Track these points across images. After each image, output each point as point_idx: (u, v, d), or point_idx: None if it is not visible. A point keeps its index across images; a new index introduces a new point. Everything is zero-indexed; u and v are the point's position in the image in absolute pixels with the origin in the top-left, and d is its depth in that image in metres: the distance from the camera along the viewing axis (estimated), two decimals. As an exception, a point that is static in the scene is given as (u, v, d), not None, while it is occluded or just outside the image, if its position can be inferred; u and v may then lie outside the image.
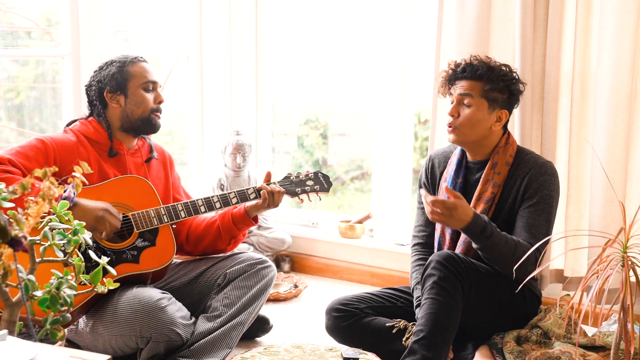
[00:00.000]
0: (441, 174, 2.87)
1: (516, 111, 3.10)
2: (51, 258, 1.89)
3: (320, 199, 2.93)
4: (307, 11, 4.46)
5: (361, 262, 3.98)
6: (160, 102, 2.77)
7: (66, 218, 1.88)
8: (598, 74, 2.94)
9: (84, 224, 1.88)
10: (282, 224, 4.20)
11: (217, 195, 2.75)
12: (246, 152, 3.94)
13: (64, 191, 2.43)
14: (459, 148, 2.82)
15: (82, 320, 2.61)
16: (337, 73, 4.49)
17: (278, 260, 4.13)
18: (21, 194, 1.55)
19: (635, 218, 1.96)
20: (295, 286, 3.74)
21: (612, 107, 2.92)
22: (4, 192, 1.75)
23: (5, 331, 1.42)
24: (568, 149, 3.11)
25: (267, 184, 2.80)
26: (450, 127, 2.71)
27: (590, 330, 2.81)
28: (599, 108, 2.95)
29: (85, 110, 3.42)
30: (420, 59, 3.79)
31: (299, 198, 2.86)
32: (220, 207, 2.76)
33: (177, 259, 3.01)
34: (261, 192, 2.77)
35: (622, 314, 1.95)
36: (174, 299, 2.61)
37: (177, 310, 2.56)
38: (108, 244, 2.60)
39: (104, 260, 1.90)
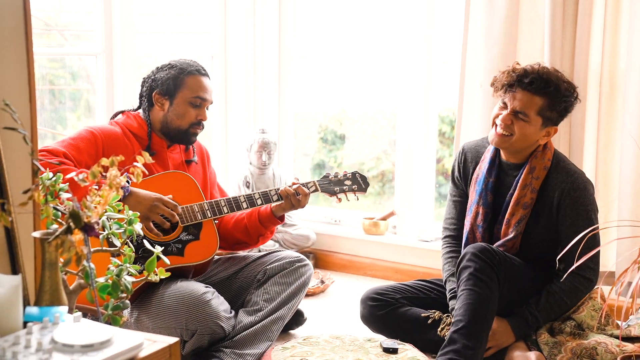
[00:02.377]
0: (473, 169, 2.89)
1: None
2: (102, 248, 1.94)
3: (357, 199, 2.95)
4: (330, 11, 4.50)
5: (385, 259, 4.01)
6: (201, 120, 2.78)
7: (119, 209, 1.93)
8: (628, 70, 2.98)
9: (138, 214, 1.93)
10: (306, 221, 4.24)
11: (258, 193, 2.80)
12: (271, 150, 3.99)
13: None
14: (491, 146, 2.81)
15: (126, 311, 2.65)
16: (360, 74, 4.53)
17: (302, 257, 4.17)
18: (91, 182, 1.60)
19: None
20: (322, 282, 3.78)
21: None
22: (64, 180, 1.80)
23: (79, 313, 1.47)
24: (596, 144, 3.15)
25: (291, 187, 2.81)
26: (499, 131, 2.68)
27: (621, 324, 2.84)
28: (628, 103, 2.99)
29: (115, 108, 3.48)
30: (444, 60, 3.83)
31: (337, 197, 2.89)
32: (262, 204, 2.80)
33: (216, 255, 3.06)
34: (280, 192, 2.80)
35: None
36: (217, 292, 2.65)
37: (220, 304, 2.61)
38: (154, 236, 2.63)
39: (158, 249, 1.95)
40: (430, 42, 3.79)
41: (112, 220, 1.88)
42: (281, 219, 2.89)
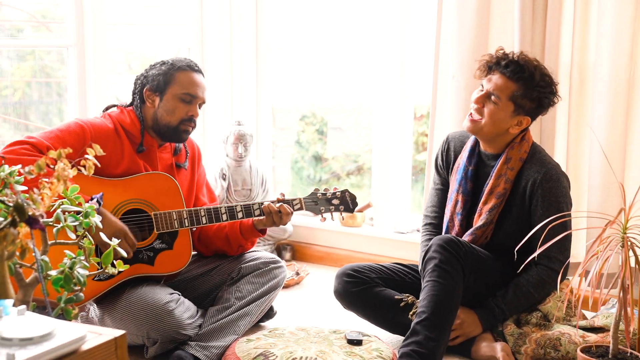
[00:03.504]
0: (456, 157, 2.91)
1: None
2: (63, 240, 1.93)
3: (342, 219, 2.90)
4: (307, 3, 4.49)
5: (362, 250, 4.02)
6: (192, 116, 2.72)
7: (77, 202, 1.92)
8: (597, 63, 2.99)
9: (95, 206, 1.92)
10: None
11: (240, 205, 2.73)
12: (247, 142, 3.98)
13: (91, 199, 2.45)
14: (473, 135, 2.83)
15: (92, 309, 2.65)
16: (336, 66, 4.52)
17: (279, 249, 4.18)
18: (37, 175, 1.59)
19: (635, 199, 2.00)
20: (297, 274, 3.78)
21: (610, 94, 2.96)
22: (19, 173, 1.79)
23: (24, 306, 1.47)
24: (567, 137, 3.16)
25: (275, 203, 2.75)
26: (470, 115, 2.71)
27: (589, 315, 2.86)
28: (597, 95, 3.00)
29: (90, 103, 3.47)
30: (419, 52, 3.83)
31: (322, 216, 2.84)
32: (242, 217, 2.73)
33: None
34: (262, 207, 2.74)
35: (622, 294, 1.99)
36: (182, 298, 2.63)
37: (184, 311, 2.58)
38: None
39: (114, 242, 1.94)
40: (404, 37, 3.79)
41: (67, 213, 1.88)
42: (262, 232, 2.85)
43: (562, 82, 3.12)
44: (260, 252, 2.92)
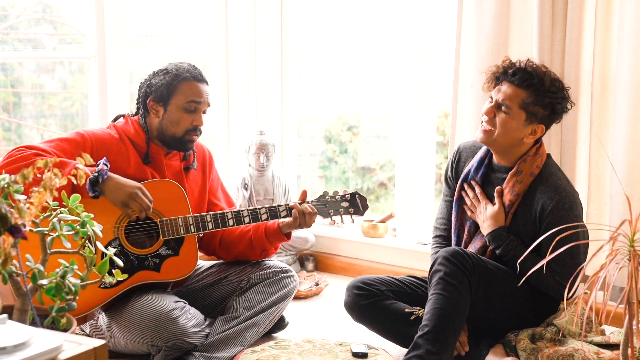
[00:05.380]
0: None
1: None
2: (63, 250, 1.95)
3: (353, 222, 2.87)
4: (331, 14, 4.49)
5: (384, 262, 3.97)
6: (197, 125, 2.72)
7: (79, 211, 1.93)
8: (618, 71, 2.90)
9: (92, 215, 1.93)
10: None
11: (247, 210, 2.73)
12: (269, 151, 3.98)
13: (97, 165, 2.48)
14: (485, 146, 2.77)
15: (102, 318, 2.67)
16: (359, 75, 4.51)
17: (302, 259, 4.16)
18: (26, 184, 1.61)
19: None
20: (317, 284, 3.76)
21: (632, 103, 2.87)
22: (13, 184, 1.81)
23: (5, 315, 1.48)
24: (589, 147, 3.07)
25: (301, 203, 2.76)
26: (483, 127, 2.65)
27: (609, 330, 2.77)
28: (618, 104, 2.91)
29: (110, 111, 3.51)
30: (441, 59, 3.78)
31: (331, 219, 2.81)
32: (250, 222, 2.73)
33: (206, 261, 3.05)
34: (292, 210, 2.73)
35: (627, 309, 1.92)
36: (187, 306, 2.62)
37: (189, 319, 2.58)
38: (132, 248, 2.62)
39: (110, 251, 1.95)
40: (426, 44, 3.74)
41: (62, 222, 1.89)
42: (288, 236, 2.83)
43: (583, 89, 3.04)
44: (272, 260, 2.89)
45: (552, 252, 2.07)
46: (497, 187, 2.66)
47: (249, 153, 4.02)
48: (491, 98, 2.66)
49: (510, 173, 2.66)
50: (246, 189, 4.01)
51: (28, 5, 3.61)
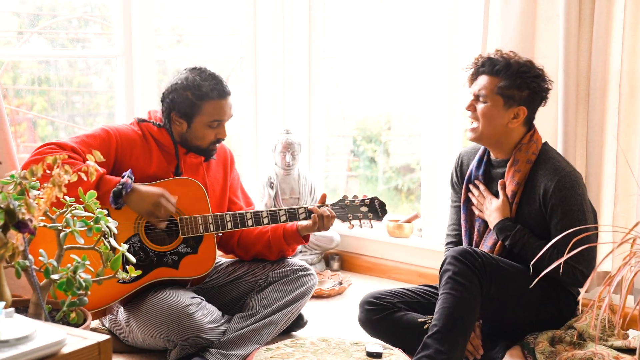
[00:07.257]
0: None
1: (559, 108, 3.03)
2: (78, 245, 1.98)
3: (371, 227, 2.87)
4: (360, 13, 4.47)
5: (409, 262, 3.96)
6: (220, 138, 2.75)
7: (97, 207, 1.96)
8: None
9: (105, 212, 1.96)
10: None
11: (266, 211, 2.74)
12: (295, 150, 3.99)
13: (122, 177, 2.53)
14: (482, 146, 2.79)
15: (120, 313, 2.70)
16: (387, 74, 4.49)
17: (327, 259, 4.16)
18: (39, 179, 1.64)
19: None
20: (340, 283, 3.75)
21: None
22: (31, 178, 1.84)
23: (12, 309, 1.50)
24: (616, 148, 3.01)
25: (320, 206, 2.77)
26: (468, 125, 2.71)
27: (633, 334, 2.71)
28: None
29: (137, 111, 3.55)
30: (468, 60, 3.73)
31: (350, 223, 2.81)
32: (268, 223, 2.75)
33: (225, 258, 3.07)
34: (312, 214, 2.74)
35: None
36: (204, 302, 2.64)
37: (205, 315, 2.59)
38: (152, 245, 2.65)
39: (123, 247, 1.98)
40: (453, 45, 3.68)
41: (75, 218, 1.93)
42: (306, 239, 2.84)
43: (611, 89, 2.99)
44: (290, 259, 2.90)
45: (564, 239, 2.11)
46: (500, 180, 2.68)
47: (275, 152, 4.04)
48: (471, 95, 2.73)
49: (508, 164, 2.68)
50: (272, 188, 4.02)
51: (77, 5, 3.68)
